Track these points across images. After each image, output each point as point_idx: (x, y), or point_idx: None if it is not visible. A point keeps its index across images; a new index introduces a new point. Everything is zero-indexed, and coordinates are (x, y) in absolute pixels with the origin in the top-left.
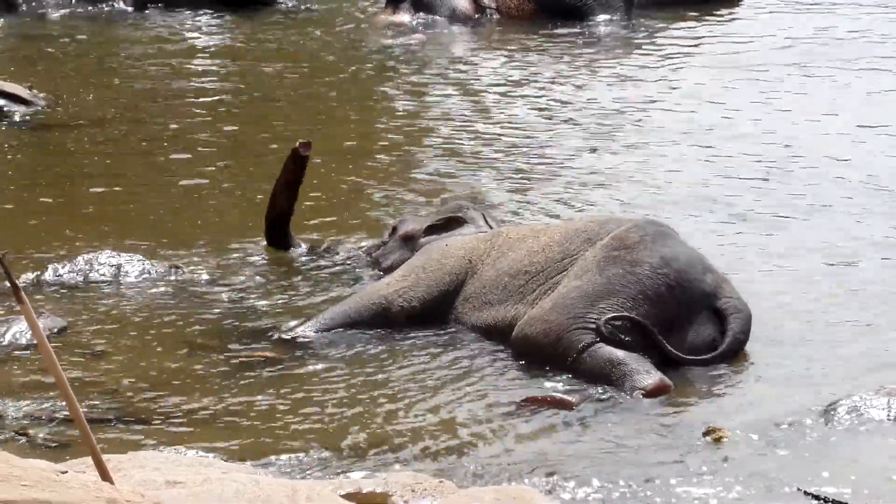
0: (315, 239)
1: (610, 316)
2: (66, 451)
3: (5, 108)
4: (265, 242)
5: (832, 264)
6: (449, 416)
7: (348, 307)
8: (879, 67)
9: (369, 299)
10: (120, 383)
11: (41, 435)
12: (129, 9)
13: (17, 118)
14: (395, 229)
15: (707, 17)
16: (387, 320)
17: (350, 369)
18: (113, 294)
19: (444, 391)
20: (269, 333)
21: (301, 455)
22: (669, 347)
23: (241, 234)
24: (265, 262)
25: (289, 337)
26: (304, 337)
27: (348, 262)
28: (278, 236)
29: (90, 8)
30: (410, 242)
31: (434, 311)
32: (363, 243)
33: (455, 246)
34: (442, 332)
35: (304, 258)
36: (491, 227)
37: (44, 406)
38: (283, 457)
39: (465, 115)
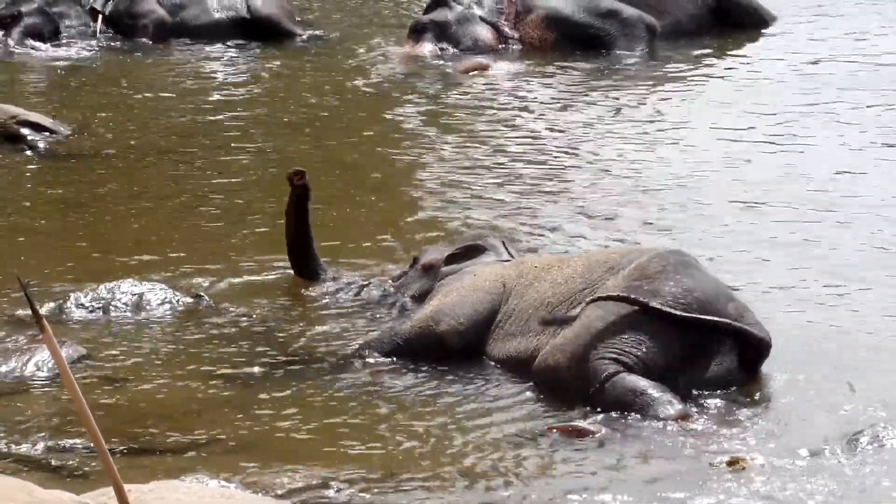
0: (343, 263)
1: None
2: (88, 480)
3: (28, 137)
4: (292, 272)
5: (854, 288)
6: (472, 447)
7: (398, 334)
8: None
9: (416, 323)
10: (141, 412)
11: (63, 465)
12: (151, 40)
13: (39, 147)
14: (416, 259)
15: (729, 48)
16: (439, 345)
17: (374, 400)
18: (134, 323)
19: (466, 422)
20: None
21: (325, 486)
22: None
23: (265, 265)
24: (289, 291)
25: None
26: (354, 362)
27: (371, 290)
28: (301, 266)
29: (112, 38)
30: (431, 272)
31: (481, 333)
32: (389, 273)
33: (484, 273)
34: (464, 362)
35: (328, 287)
36: (511, 255)
37: (65, 435)
38: (307, 484)
39: (494, 145)
